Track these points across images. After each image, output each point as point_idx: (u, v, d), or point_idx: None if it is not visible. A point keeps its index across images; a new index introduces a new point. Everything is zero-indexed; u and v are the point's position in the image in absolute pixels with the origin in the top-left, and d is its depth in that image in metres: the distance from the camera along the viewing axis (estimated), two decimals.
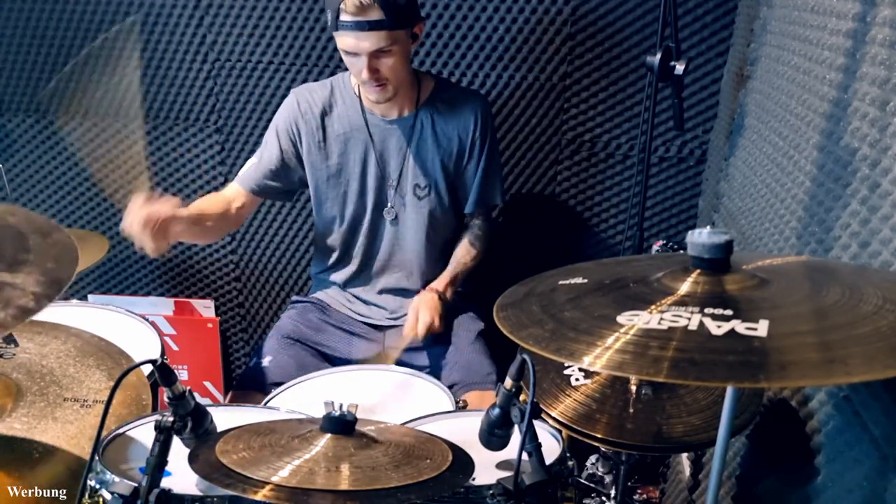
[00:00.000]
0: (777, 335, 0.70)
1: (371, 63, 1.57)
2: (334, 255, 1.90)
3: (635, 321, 0.76)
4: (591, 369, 1.29)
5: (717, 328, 0.72)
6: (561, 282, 0.94)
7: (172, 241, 1.51)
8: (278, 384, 1.59)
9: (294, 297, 1.97)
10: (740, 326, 0.72)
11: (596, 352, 0.72)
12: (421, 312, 1.69)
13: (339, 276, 1.92)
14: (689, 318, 0.75)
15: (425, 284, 1.87)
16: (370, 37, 1.53)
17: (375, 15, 1.51)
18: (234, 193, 1.78)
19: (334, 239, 1.87)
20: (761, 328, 0.71)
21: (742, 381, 0.75)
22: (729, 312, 0.75)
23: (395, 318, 1.89)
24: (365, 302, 1.91)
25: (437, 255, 1.87)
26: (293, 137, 1.77)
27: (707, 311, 0.76)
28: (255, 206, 1.85)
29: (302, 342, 1.79)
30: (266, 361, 1.70)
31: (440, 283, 1.80)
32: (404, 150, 1.76)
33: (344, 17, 1.52)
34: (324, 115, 1.75)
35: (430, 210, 1.81)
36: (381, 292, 1.90)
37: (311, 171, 1.79)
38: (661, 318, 0.76)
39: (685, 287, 0.83)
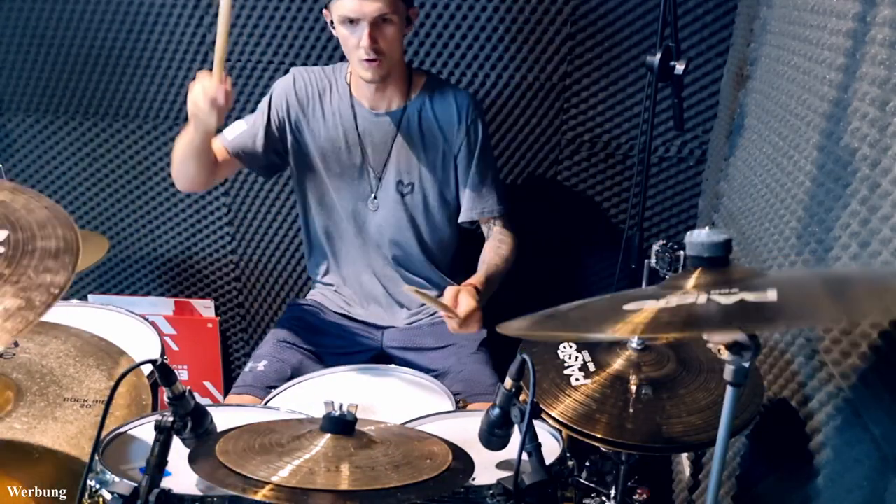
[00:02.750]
0: (787, 297, 0.72)
1: (371, 32, 1.56)
2: (326, 252, 1.90)
3: (644, 306, 0.77)
4: (589, 367, 1.30)
5: (726, 300, 0.74)
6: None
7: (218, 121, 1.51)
8: (274, 388, 1.59)
9: (291, 301, 1.97)
10: (749, 296, 0.73)
11: (612, 326, 0.75)
12: (462, 296, 1.54)
13: (333, 272, 1.91)
14: (697, 298, 0.76)
15: (418, 281, 1.87)
16: (374, 1, 1.53)
17: None
18: (218, 148, 1.73)
19: (322, 231, 1.87)
20: (771, 295, 0.72)
21: (760, 325, 0.76)
22: (735, 290, 0.76)
23: (392, 318, 1.89)
24: (361, 303, 1.90)
25: (427, 255, 1.86)
26: (282, 113, 1.76)
27: (713, 292, 0.77)
28: (232, 169, 1.80)
29: (297, 346, 1.78)
30: (261, 366, 1.70)
31: (476, 279, 1.66)
32: (390, 143, 1.75)
33: None
34: (317, 99, 1.76)
35: (412, 207, 1.79)
36: (372, 292, 1.89)
37: (297, 152, 1.78)
38: (669, 301, 0.77)
39: (690, 283, 0.84)
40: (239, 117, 1.83)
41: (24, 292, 0.73)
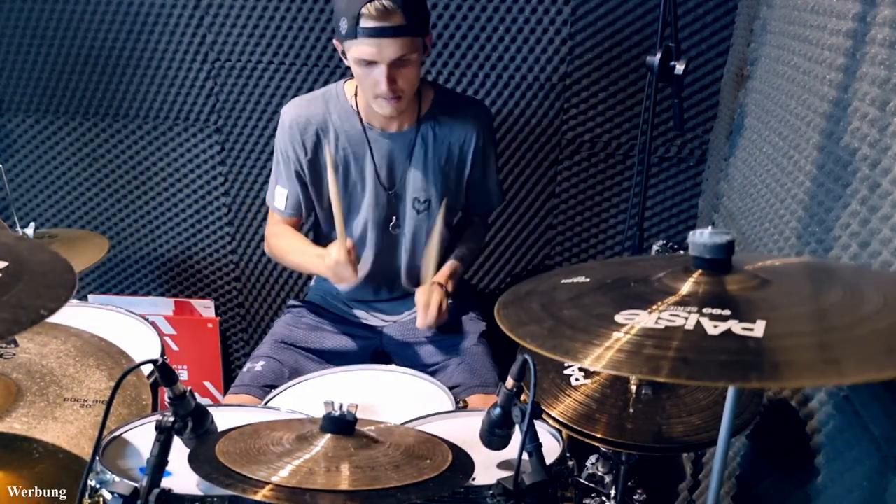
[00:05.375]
0: (773, 336, 0.70)
1: (390, 73, 1.50)
2: None
3: (633, 321, 0.76)
4: (587, 368, 1.30)
5: (713, 328, 0.72)
6: (563, 280, 0.94)
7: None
8: (271, 388, 1.58)
9: (290, 302, 1.96)
10: (737, 327, 0.72)
11: (592, 350, 0.72)
12: (432, 306, 1.65)
13: (343, 287, 1.90)
14: (687, 318, 0.75)
15: None
16: (393, 44, 1.46)
17: (398, 20, 1.44)
18: (288, 221, 1.81)
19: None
20: (758, 329, 0.71)
21: (734, 380, 0.75)
22: (727, 313, 0.75)
23: (393, 321, 1.89)
24: (365, 307, 1.90)
25: (439, 266, 1.85)
26: (295, 159, 1.71)
27: (705, 311, 0.76)
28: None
29: (295, 346, 1.78)
30: (258, 366, 1.69)
31: (441, 276, 1.74)
32: (405, 163, 1.71)
33: (365, 24, 1.44)
34: (319, 132, 1.68)
35: (429, 222, 1.76)
36: (382, 301, 1.89)
37: (313, 189, 1.75)
38: (659, 318, 0.76)
39: (686, 287, 0.83)
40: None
41: (13, 308, 0.73)
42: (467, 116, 1.72)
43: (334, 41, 1.58)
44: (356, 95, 1.68)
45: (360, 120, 1.68)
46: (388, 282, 1.86)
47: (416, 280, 1.82)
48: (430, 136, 1.71)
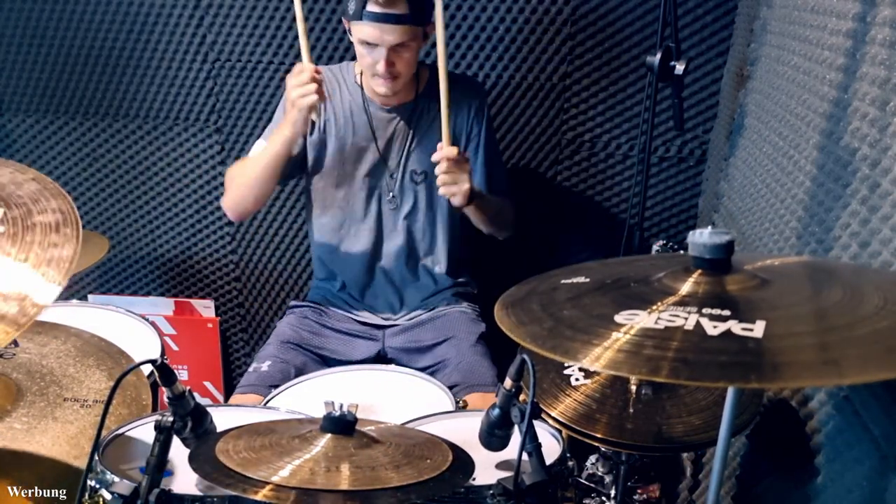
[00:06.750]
0: (773, 336, 0.70)
1: (389, 56, 1.60)
2: (337, 249, 1.89)
3: (633, 321, 0.76)
4: (587, 368, 1.30)
5: (713, 328, 0.72)
6: (563, 281, 0.94)
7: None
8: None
9: (292, 302, 1.96)
10: (737, 327, 0.72)
11: (592, 351, 0.72)
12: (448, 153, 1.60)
13: (342, 272, 1.91)
14: (687, 318, 0.75)
15: (427, 273, 1.88)
16: (395, 30, 1.56)
17: (402, 9, 1.55)
18: None
19: (336, 230, 1.86)
20: (757, 329, 0.71)
21: (734, 381, 0.75)
22: (727, 313, 0.75)
23: (395, 319, 1.89)
24: (365, 304, 1.90)
25: (438, 242, 1.87)
26: None
27: (705, 311, 0.76)
28: None
29: (301, 346, 1.79)
30: (265, 366, 1.70)
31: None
32: (403, 137, 1.78)
33: (371, 7, 1.54)
34: (328, 93, 1.76)
35: (427, 195, 1.82)
36: (382, 288, 1.89)
37: (311, 154, 1.80)
38: (659, 318, 0.76)
39: (686, 287, 0.83)
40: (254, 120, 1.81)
41: (38, 268, 0.73)
42: (463, 91, 1.79)
43: (342, 18, 1.68)
44: (361, 73, 1.77)
45: (363, 94, 1.77)
46: (385, 259, 1.86)
47: (413, 254, 1.86)
48: (428, 110, 1.78)
